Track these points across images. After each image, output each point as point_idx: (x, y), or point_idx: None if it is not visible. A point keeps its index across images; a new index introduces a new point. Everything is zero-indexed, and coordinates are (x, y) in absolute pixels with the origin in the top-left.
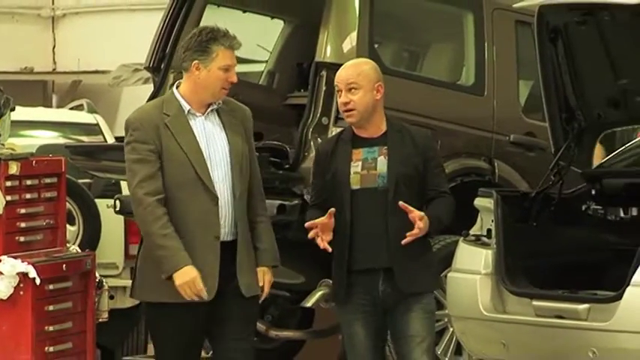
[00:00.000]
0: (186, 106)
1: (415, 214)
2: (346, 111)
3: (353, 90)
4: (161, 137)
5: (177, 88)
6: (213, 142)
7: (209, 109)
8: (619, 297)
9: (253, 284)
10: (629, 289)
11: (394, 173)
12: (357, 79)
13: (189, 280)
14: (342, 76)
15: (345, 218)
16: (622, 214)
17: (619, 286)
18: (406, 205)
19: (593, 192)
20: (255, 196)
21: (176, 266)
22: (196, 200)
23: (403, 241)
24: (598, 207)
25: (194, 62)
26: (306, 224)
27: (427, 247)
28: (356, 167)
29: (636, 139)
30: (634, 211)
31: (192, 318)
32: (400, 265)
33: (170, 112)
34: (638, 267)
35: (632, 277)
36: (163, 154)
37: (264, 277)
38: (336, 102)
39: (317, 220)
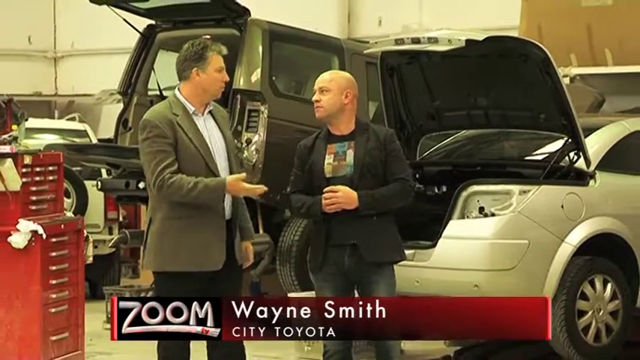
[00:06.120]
0: (191, 108)
1: (339, 188)
2: (316, 107)
3: (324, 92)
4: (176, 133)
5: (179, 93)
6: (213, 138)
7: (207, 110)
8: (434, 245)
9: (241, 255)
10: (440, 240)
11: (359, 163)
12: (327, 85)
13: (240, 188)
14: (318, 79)
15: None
16: (436, 191)
17: (434, 238)
18: (333, 187)
19: (417, 176)
20: None
21: (221, 186)
22: None
23: (327, 209)
24: (420, 186)
25: (194, 69)
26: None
27: (389, 222)
28: (329, 159)
29: (445, 141)
30: (444, 189)
31: (199, 284)
32: (363, 240)
33: (178, 113)
34: (446, 226)
35: (442, 232)
36: (178, 148)
37: (249, 250)
38: (247, 115)
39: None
